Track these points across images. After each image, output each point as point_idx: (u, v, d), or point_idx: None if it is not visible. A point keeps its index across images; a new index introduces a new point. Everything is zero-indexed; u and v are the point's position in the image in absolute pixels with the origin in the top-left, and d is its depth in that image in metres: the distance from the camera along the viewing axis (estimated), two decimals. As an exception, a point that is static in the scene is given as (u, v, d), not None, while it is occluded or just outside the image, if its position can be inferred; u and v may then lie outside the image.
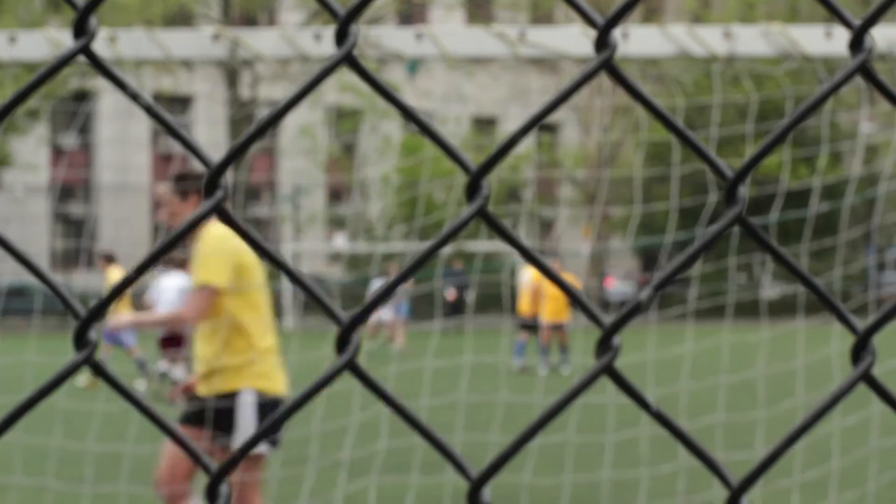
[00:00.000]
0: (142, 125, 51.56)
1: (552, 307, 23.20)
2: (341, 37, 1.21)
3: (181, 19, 42.17)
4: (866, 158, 36.11)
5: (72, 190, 52.77)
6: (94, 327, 1.22)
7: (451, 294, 35.74)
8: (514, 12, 47.43)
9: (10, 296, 34.12)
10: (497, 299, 36.07)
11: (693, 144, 1.28)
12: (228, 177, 1.22)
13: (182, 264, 20.23)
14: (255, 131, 1.21)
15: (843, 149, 35.51)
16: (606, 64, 1.23)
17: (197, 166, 7.06)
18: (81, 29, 1.19)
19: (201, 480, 7.48)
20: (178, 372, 19.32)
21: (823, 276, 29.36)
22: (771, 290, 41.62)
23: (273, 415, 1.21)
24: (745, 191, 1.26)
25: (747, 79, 21.49)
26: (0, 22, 37.10)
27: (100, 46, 7.67)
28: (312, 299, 1.25)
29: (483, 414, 14.01)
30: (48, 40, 7.76)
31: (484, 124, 54.28)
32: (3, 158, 44.22)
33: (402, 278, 1.21)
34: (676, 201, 16.21)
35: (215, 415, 6.24)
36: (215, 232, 6.22)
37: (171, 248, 1.21)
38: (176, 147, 50.69)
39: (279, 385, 6.35)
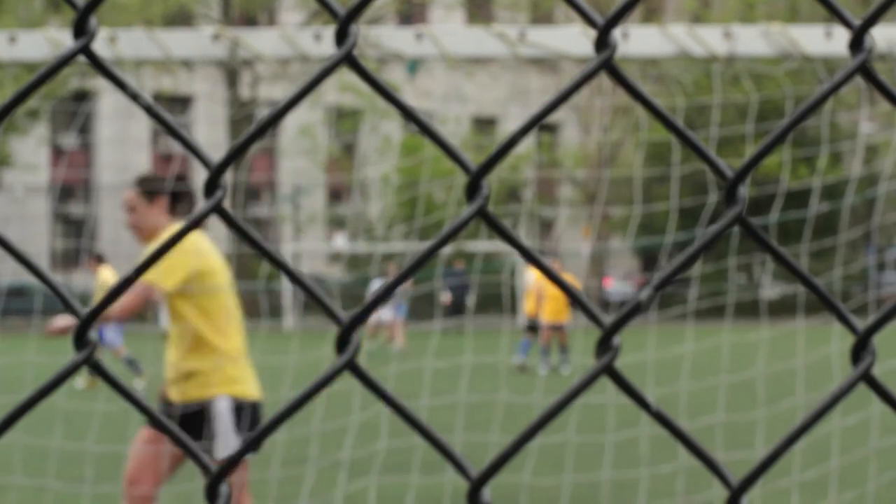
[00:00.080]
0: (142, 125, 51.57)
1: (552, 307, 23.22)
2: (341, 37, 1.21)
3: (181, 19, 42.18)
4: (866, 158, 36.12)
5: (72, 190, 52.77)
6: (94, 327, 1.22)
7: (446, 298, 35.74)
8: (514, 12, 47.43)
9: (10, 296, 34.13)
10: (497, 300, 36.09)
11: (693, 144, 1.28)
12: (228, 177, 1.22)
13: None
14: (255, 131, 1.21)
15: (843, 149, 35.51)
16: (606, 64, 1.23)
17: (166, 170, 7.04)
18: (81, 29, 1.19)
19: (170, 488, 7.46)
20: None
21: (823, 276, 29.37)
22: (771, 290, 41.62)
23: (273, 416, 1.21)
24: (745, 191, 1.26)
25: (747, 79, 21.49)
26: (0, 22, 37.10)
27: (100, 46, 7.67)
28: (312, 299, 1.25)
29: (483, 414, 14.01)
30: (48, 40, 7.76)
31: (484, 124, 54.28)
32: (3, 158, 44.22)
33: (402, 278, 1.21)
34: (676, 201, 16.22)
35: (190, 422, 6.21)
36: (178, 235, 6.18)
37: (170, 248, 1.21)
38: (176, 147, 50.69)
39: (252, 388, 6.31)
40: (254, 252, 1.24)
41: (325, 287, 39.38)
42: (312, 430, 12.25)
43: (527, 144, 46.54)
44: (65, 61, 1.20)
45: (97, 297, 13.31)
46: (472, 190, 1.22)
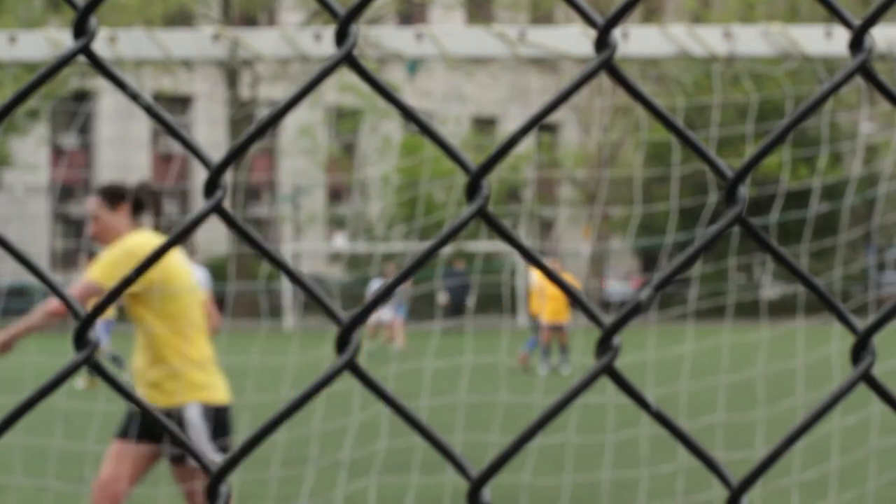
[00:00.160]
0: (142, 125, 51.56)
1: (552, 307, 23.23)
2: (341, 37, 1.21)
3: (181, 19, 42.19)
4: (866, 158, 36.12)
5: (72, 190, 52.76)
6: (94, 327, 1.22)
7: (444, 299, 35.76)
8: (514, 12, 47.43)
9: (10, 296, 34.12)
10: (497, 300, 36.08)
11: (693, 144, 1.28)
12: (228, 177, 1.22)
13: (191, 258, 20.44)
14: (255, 131, 1.21)
15: (843, 149, 35.51)
16: (606, 64, 1.23)
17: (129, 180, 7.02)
18: (81, 29, 1.19)
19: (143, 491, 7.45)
20: None
21: (823, 276, 29.36)
22: (771, 290, 41.62)
23: (273, 416, 1.21)
24: (745, 191, 1.26)
25: (747, 79, 21.49)
26: (0, 22, 37.10)
27: (100, 46, 7.67)
28: (312, 299, 1.25)
29: (483, 414, 14.01)
30: (48, 40, 7.76)
31: (484, 124, 54.28)
32: (3, 158, 44.23)
33: (402, 278, 1.21)
34: (676, 201, 16.22)
35: (155, 426, 6.21)
36: (132, 241, 6.18)
37: (170, 249, 1.21)
38: (176, 147, 50.70)
39: (221, 393, 6.29)
40: (254, 252, 1.24)
41: (325, 287, 39.38)
42: (312, 430, 12.25)
43: (527, 144, 46.54)
44: (65, 61, 1.20)
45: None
46: (472, 190, 1.22)
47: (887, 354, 4.65)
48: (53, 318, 6.20)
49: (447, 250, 33.50)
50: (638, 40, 7.88)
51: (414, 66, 8.85)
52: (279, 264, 1.24)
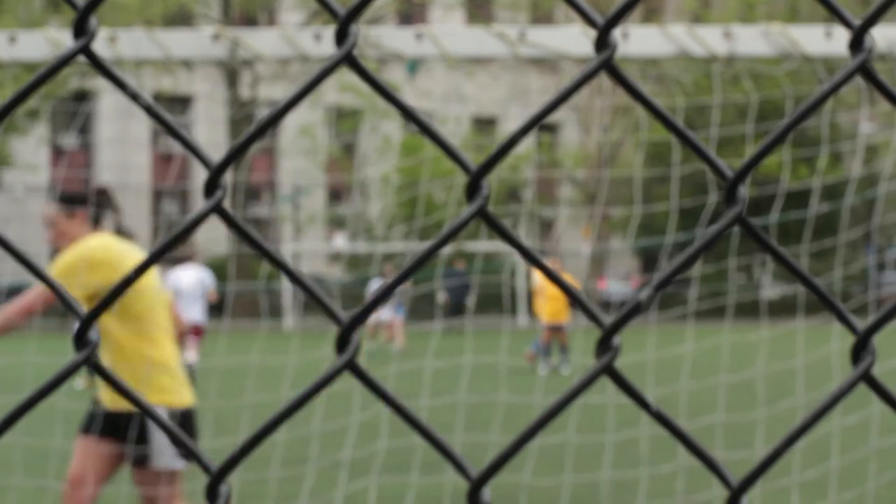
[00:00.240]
0: (142, 125, 51.56)
1: (552, 307, 23.23)
2: (341, 37, 1.21)
3: (181, 19, 42.18)
4: (866, 158, 36.11)
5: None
6: (94, 327, 1.22)
7: (443, 299, 35.78)
8: (514, 12, 47.43)
9: (10, 296, 34.12)
10: (497, 300, 36.08)
11: (693, 144, 1.28)
12: (228, 177, 1.22)
13: (192, 257, 20.47)
14: (255, 131, 1.21)
15: (843, 149, 35.50)
16: (606, 64, 1.23)
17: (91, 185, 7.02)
18: (81, 29, 1.19)
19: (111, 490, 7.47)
20: (192, 356, 19.56)
21: (823, 276, 29.37)
22: (771, 290, 41.62)
23: (273, 416, 1.21)
24: (745, 191, 1.26)
25: (747, 79, 21.48)
26: (0, 22, 37.11)
27: (100, 46, 7.67)
28: (312, 299, 1.25)
29: (483, 414, 14.01)
30: (48, 40, 7.76)
31: (484, 124, 54.28)
32: (3, 158, 44.23)
33: (402, 278, 1.21)
34: (676, 202, 16.21)
35: (115, 424, 6.20)
36: (87, 245, 6.18)
37: (169, 249, 1.21)
38: (176, 147, 50.70)
39: (185, 397, 6.27)
40: (254, 252, 1.24)
41: (325, 287, 39.39)
42: (312, 430, 12.25)
43: (527, 144, 46.53)
44: (65, 61, 1.20)
45: None
46: (472, 190, 1.22)
47: (887, 354, 4.65)
48: (28, 316, 6.20)
49: (447, 250, 33.51)
50: (638, 40, 7.88)
51: (414, 66, 8.85)
52: (279, 264, 1.24)
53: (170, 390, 6.16)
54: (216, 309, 20.84)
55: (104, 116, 51.24)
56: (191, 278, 19.81)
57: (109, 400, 6.20)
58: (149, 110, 1.23)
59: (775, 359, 16.41)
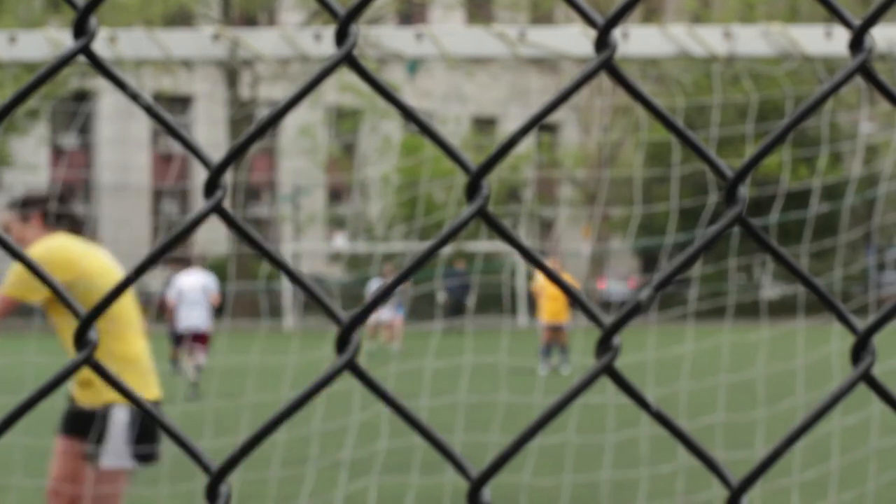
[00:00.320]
0: (142, 125, 51.57)
1: (552, 308, 23.23)
2: (341, 37, 1.21)
3: (181, 19, 42.18)
4: (866, 158, 36.11)
5: (72, 190, 52.71)
6: (94, 327, 1.22)
7: (443, 299, 35.78)
8: (514, 12, 47.43)
9: (10, 296, 34.06)
10: (497, 300, 36.08)
11: (693, 144, 1.28)
12: (228, 177, 1.22)
13: (199, 261, 20.49)
14: (255, 131, 1.21)
15: (843, 149, 35.50)
16: (606, 64, 1.23)
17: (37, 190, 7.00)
18: (81, 29, 1.19)
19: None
20: (201, 358, 19.56)
21: (823, 276, 29.36)
22: (771, 290, 41.61)
23: (273, 416, 1.21)
24: (745, 191, 1.25)
25: (747, 79, 21.47)
26: (0, 22, 37.10)
27: (100, 46, 7.67)
28: (312, 299, 1.25)
29: (483, 414, 14.01)
30: (48, 40, 7.76)
31: (484, 124, 54.28)
32: (3, 158, 44.22)
33: (402, 278, 1.21)
34: (676, 202, 16.21)
35: (81, 420, 6.20)
36: (40, 247, 6.17)
37: (169, 249, 1.21)
38: (176, 147, 50.70)
39: (151, 392, 6.26)
40: (254, 252, 1.24)
41: (325, 287, 39.39)
42: (313, 430, 12.25)
43: (527, 144, 46.53)
44: (65, 61, 1.20)
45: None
46: (472, 190, 1.22)
47: (887, 354, 4.64)
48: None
49: (447, 250, 33.51)
50: (638, 40, 7.88)
51: (414, 66, 8.85)
52: (279, 264, 1.24)
53: (137, 386, 6.14)
54: (216, 310, 20.83)
55: (104, 116, 51.24)
56: (193, 283, 19.82)
57: (80, 396, 6.22)
58: (149, 110, 1.23)
59: (775, 359, 16.41)
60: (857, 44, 1.27)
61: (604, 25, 1.23)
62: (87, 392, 6.18)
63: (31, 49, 7.78)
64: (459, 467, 1.23)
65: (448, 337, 26.36)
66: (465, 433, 11.90)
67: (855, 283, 42.87)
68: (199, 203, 36.45)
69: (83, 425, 6.20)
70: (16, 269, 6.09)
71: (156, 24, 37.59)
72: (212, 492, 1.22)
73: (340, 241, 49.13)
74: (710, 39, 7.89)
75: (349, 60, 1.21)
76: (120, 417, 6.13)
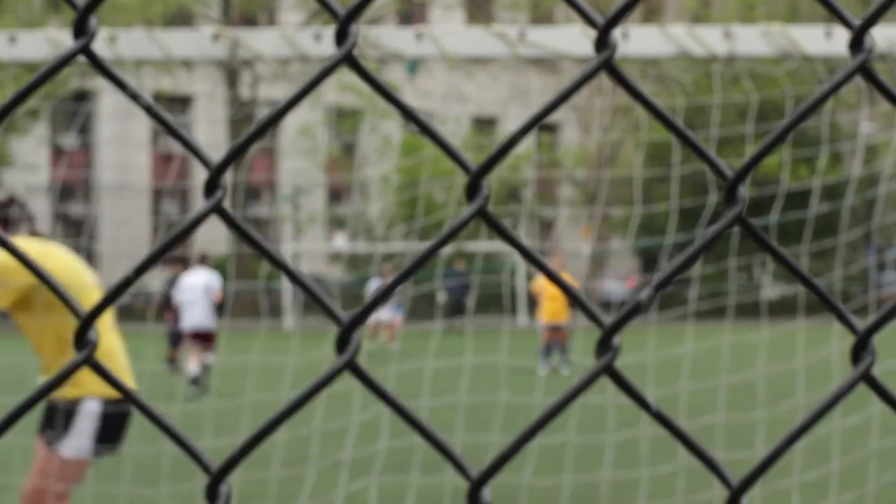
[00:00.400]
0: (142, 125, 51.58)
1: (551, 307, 23.24)
2: (341, 37, 1.21)
3: (181, 19, 42.19)
4: (866, 158, 36.11)
5: (72, 190, 52.78)
6: (93, 327, 1.22)
7: (443, 299, 35.79)
8: (514, 12, 47.43)
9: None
10: (497, 300, 36.08)
11: (693, 144, 1.28)
12: (228, 177, 1.22)
13: (203, 261, 20.53)
14: (255, 131, 1.21)
15: (843, 149, 35.50)
16: (606, 64, 1.23)
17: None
18: (81, 29, 1.19)
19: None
20: (210, 357, 19.59)
21: (824, 276, 29.36)
22: (771, 290, 41.62)
23: (273, 416, 1.21)
24: (745, 191, 1.25)
25: (747, 79, 21.47)
26: (0, 22, 37.11)
27: (100, 46, 7.67)
28: (312, 299, 1.25)
29: (483, 414, 14.01)
30: (48, 40, 7.77)
31: (484, 124, 54.28)
32: (3, 158, 44.23)
33: (402, 278, 1.21)
34: (676, 202, 16.21)
35: (60, 417, 6.20)
36: (2, 252, 6.17)
37: (169, 249, 1.21)
38: (176, 147, 50.70)
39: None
40: (254, 252, 1.24)
41: (325, 287, 39.40)
42: (313, 430, 12.25)
43: (527, 144, 46.54)
44: (65, 61, 1.20)
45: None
46: (472, 190, 1.22)
47: (887, 354, 4.64)
48: None
49: (447, 250, 33.52)
50: (638, 40, 7.88)
51: (414, 66, 8.86)
52: (279, 264, 1.24)
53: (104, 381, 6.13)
54: (218, 308, 20.87)
55: (104, 116, 51.25)
56: (196, 283, 19.89)
57: (55, 393, 6.22)
58: (149, 110, 1.23)
59: (775, 359, 16.41)
60: (857, 44, 1.27)
61: (604, 25, 1.23)
62: (63, 388, 6.19)
63: (31, 49, 7.78)
64: (459, 467, 1.23)
65: (448, 337, 26.37)
66: (465, 433, 11.90)
67: (855, 283, 42.86)
68: (199, 203, 36.45)
69: (53, 419, 6.21)
70: None
71: (156, 24, 37.59)
72: (212, 492, 1.22)
73: (340, 241, 49.13)
74: (710, 39, 7.89)
75: (349, 60, 1.21)
76: (90, 410, 6.14)
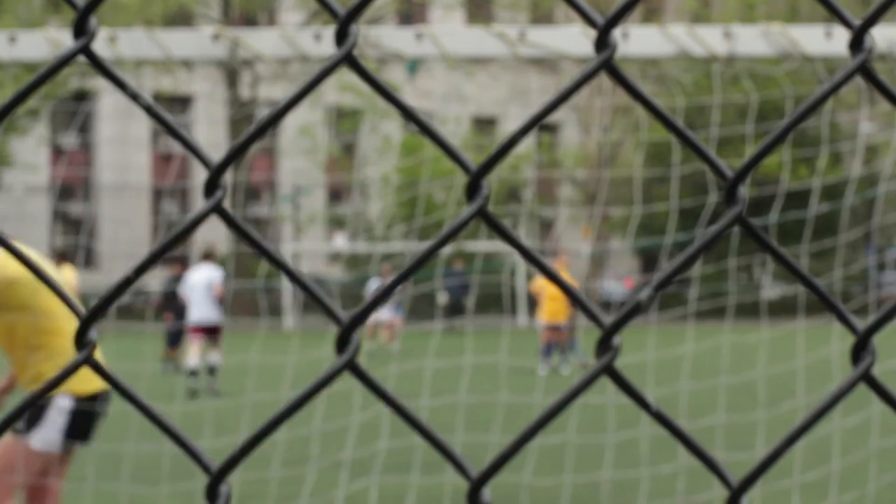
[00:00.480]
0: (142, 125, 51.57)
1: (551, 307, 23.25)
2: (341, 37, 1.21)
3: (181, 19, 42.19)
4: (866, 158, 36.11)
5: (72, 189, 52.79)
6: (94, 327, 1.22)
7: (444, 299, 35.80)
8: (514, 12, 47.43)
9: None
10: (497, 299, 36.08)
11: (693, 144, 1.28)
12: (228, 177, 1.22)
13: (208, 257, 20.60)
14: (255, 131, 1.21)
15: (843, 149, 35.50)
16: (606, 64, 1.23)
17: None
18: (81, 29, 1.19)
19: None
20: (215, 357, 19.64)
21: (823, 276, 29.36)
22: (771, 290, 41.61)
23: (273, 416, 1.21)
24: (745, 191, 1.25)
25: (747, 79, 21.47)
26: (0, 22, 37.11)
27: (100, 46, 7.67)
28: (312, 299, 1.25)
29: (483, 414, 14.00)
30: (48, 40, 7.76)
31: (484, 124, 54.28)
32: (3, 158, 44.23)
33: (402, 278, 1.21)
34: (676, 202, 16.21)
35: (31, 410, 6.21)
36: None
37: (169, 249, 1.21)
38: (176, 147, 50.70)
39: (92, 383, 6.26)
40: (253, 251, 1.24)
41: (325, 287, 39.40)
42: (313, 430, 12.25)
43: (527, 144, 46.54)
44: (65, 61, 1.20)
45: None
46: (472, 190, 1.22)
47: (887, 354, 4.64)
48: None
49: (447, 250, 33.53)
50: (638, 40, 7.88)
51: (414, 66, 8.85)
52: (279, 264, 1.24)
53: (82, 378, 6.15)
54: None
55: (104, 116, 51.25)
56: (199, 279, 20.06)
57: (24, 386, 6.23)
58: (149, 110, 1.23)
59: (776, 359, 16.41)
60: (857, 44, 1.27)
61: (604, 25, 1.23)
62: (27, 385, 6.20)
63: (31, 49, 7.78)
64: (459, 467, 1.23)
65: (448, 337, 26.37)
66: (466, 433, 11.90)
67: (855, 283, 42.86)
68: (198, 202, 36.44)
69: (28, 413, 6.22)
70: None
71: (156, 24, 37.60)
72: (212, 492, 1.22)
73: (340, 241, 49.13)
74: (710, 39, 7.89)
75: (349, 60, 1.21)
76: (62, 405, 6.15)
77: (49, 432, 6.16)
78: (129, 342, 21.28)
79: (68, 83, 41.07)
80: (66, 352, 6.15)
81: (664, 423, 1.27)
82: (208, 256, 20.60)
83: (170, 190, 53.50)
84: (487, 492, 1.22)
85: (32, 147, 46.43)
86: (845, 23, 1.28)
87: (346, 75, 36.23)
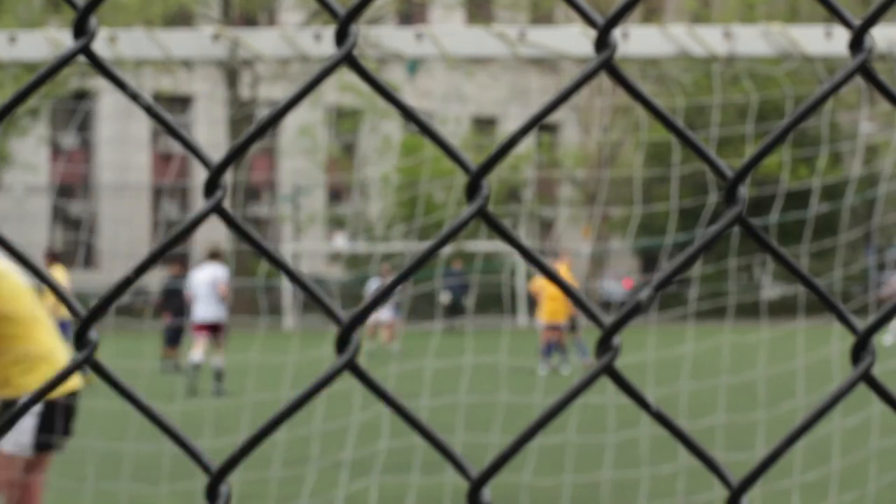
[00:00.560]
0: (142, 125, 51.57)
1: (551, 307, 23.25)
2: (341, 37, 1.21)
3: (181, 19, 42.19)
4: (866, 158, 36.11)
5: (72, 189, 52.78)
6: (93, 327, 1.22)
7: (446, 299, 35.80)
8: (514, 12, 47.43)
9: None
10: (497, 299, 36.07)
11: (693, 144, 1.28)
12: (228, 177, 1.22)
13: (215, 256, 20.66)
14: (255, 131, 1.21)
15: (843, 149, 35.50)
16: (606, 64, 1.23)
17: None
18: (81, 29, 1.19)
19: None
20: (219, 361, 19.68)
21: (824, 276, 29.35)
22: (771, 290, 41.60)
23: (273, 416, 1.21)
24: (745, 191, 1.25)
25: (747, 79, 21.47)
26: (0, 22, 37.11)
27: (100, 46, 7.67)
28: (312, 299, 1.25)
29: (483, 414, 14.00)
30: (48, 40, 7.76)
31: (484, 124, 54.27)
32: (3, 158, 44.23)
33: (401, 278, 1.21)
34: (676, 202, 16.21)
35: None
36: None
37: (169, 249, 1.21)
38: (176, 147, 50.69)
39: (67, 384, 6.26)
40: (253, 251, 1.24)
41: (325, 287, 39.40)
42: (313, 430, 12.25)
43: (527, 144, 46.54)
44: (65, 61, 1.20)
45: (48, 298, 13.29)
46: (472, 190, 1.22)
47: (887, 354, 4.65)
48: None
49: (447, 250, 33.53)
50: (638, 40, 7.88)
51: (414, 66, 8.86)
52: (279, 264, 1.24)
53: (46, 379, 6.11)
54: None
55: (104, 116, 51.25)
56: (203, 278, 20.16)
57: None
58: (149, 110, 1.23)
59: (776, 359, 16.41)
60: (857, 44, 1.26)
61: (604, 25, 1.23)
62: (4, 391, 6.18)
63: (31, 49, 7.78)
64: (459, 467, 1.23)
65: (448, 337, 26.37)
66: (466, 433, 11.90)
67: (855, 283, 42.86)
68: (198, 202, 36.47)
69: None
70: None
71: (156, 24, 37.60)
72: (212, 492, 1.22)
73: (340, 241, 49.13)
74: (710, 39, 7.89)
75: (349, 60, 1.21)
76: (34, 409, 6.14)
77: (19, 436, 6.14)
78: (128, 341, 21.28)
79: (68, 83, 41.07)
80: (35, 356, 6.13)
81: (664, 423, 1.27)
82: (215, 256, 20.64)
83: (170, 189, 53.50)
84: (487, 492, 1.22)
85: (32, 146, 46.42)
86: (845, 23, 1.28)
87: (346, 75, 36.22)
